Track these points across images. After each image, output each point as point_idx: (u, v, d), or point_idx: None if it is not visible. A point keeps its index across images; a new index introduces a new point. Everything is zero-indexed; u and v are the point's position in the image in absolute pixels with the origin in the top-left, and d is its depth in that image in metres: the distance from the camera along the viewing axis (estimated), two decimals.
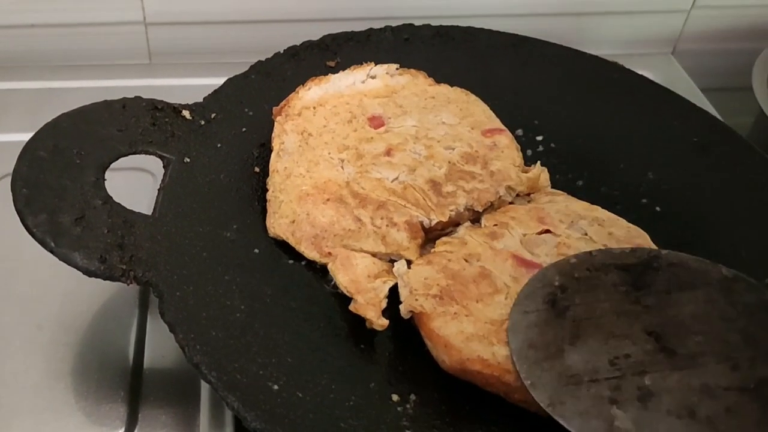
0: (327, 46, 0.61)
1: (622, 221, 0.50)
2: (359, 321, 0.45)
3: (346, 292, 0.46)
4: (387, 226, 0.48)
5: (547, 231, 0.49)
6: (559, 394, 0.39)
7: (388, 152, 0.52)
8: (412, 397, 0.42)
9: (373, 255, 0.48)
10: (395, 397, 0.42)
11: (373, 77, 0.57)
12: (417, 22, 0.64)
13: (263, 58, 0.59)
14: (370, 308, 0.44)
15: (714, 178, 0.54)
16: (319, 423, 0.39)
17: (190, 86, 0.66)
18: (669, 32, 0.80)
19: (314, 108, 0.55)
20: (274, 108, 0.54)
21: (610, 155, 0.57)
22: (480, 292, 0.45)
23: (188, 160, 0.51)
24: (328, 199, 0.49)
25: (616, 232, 0.49)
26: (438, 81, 0.59)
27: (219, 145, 0.53)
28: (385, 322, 0.44)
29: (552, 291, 0.43)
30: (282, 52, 0.60)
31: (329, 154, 0.52)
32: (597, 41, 0.78)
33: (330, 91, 0.56)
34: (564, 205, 0.51)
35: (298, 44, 0.61)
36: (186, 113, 0.53)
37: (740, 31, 0.81)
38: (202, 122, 0.53)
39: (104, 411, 0.46)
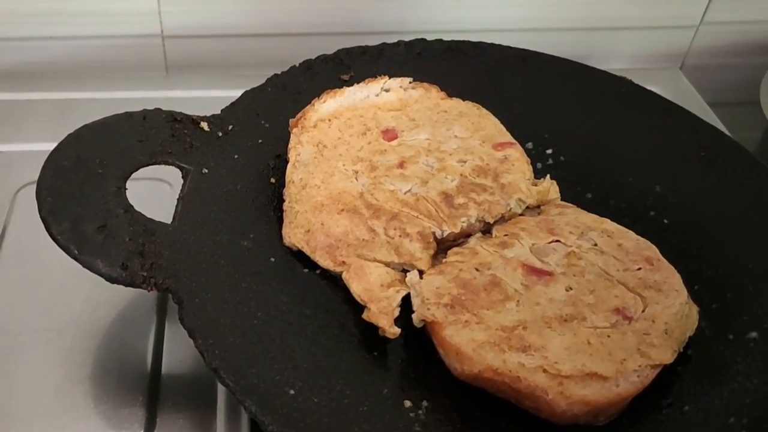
0: (341, 60, 0.62)
1: (632, 233, 0.51)
2: (372, 329, 0.46)
3: (359, 301, 0.47)
4: (400, 236, 0.49)
5: (557, 241, 0.50)
6: None
7: (401, 164, 0.53)
8: (425, 403, 0.43)
9: (386, 265, 0.49)
10: (408, 403, 0.43)
11: (387, 90, 0.58)
12: (429, 37, 0.66)
13: (279, 71, 0.60)
14: (383, 317, 0.45)
15: (721, 192, 0.55)
16: (334, 427, 0.40)
17: (206, 98, 0.67)
18: (677, 47, 0.82)
19: (329, 120, 0.56)
20: (290, 120, 0.55)
21: (618, 169, 0.58)
22: (491, 299, 0.46)
23: (206, 170, 0.52)
24: (342, 210, 0.50)
25: (625, 244, 0.50)
26: (449, 95, 0.60)
27: (236, 156, 0.54)
28: (397, 330, 0.45)
29: None
30: (297, 65, 0.61)
31: (344, 165, 0.53)
32: (606, 56, 0.79)
33: (345, 104, 0.57)
34: (573, 217, 0.52)
35: (313, 58, 0.62)
36: (204, 125, 0.54)
37: (748, 46, 0.82)
38: (220, 134, 0.54)
39: (123, 415, 0.47)
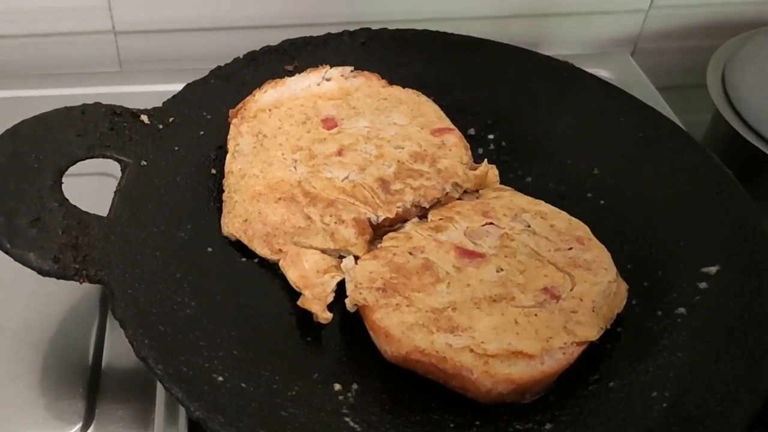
0: (285, 50, 0.63)
1: (564, 214, 0.51)
2: (308, 315, 0.47)
3: (295, 287, 0.48)
4: (336, 223, 0.50)
5: (491, 224, 0.50)
6: None
7: (339, 152, 0.54)
8: (355, 386, 0.44)
9: (323, 251, 0.49)
10: (337, 387, 0.44)
11: (328, 80, 0.59)
12: (375, 27, 0.66)
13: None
14: (316, 302, 0.46)
15: (657, 171, 0.56)
16: (261, 411, 0.41)
17: (161, 92, 0.67)
18: (629, 32, 0.82)
19: (270, 110, 0.56)
20: (230, 110, 0.56)
21: (558, 152, 0.59)
22: (422, 282, 0.46)
23: (145, 163, 0.52)
24: (279, 198, 0.51)
25: (557, 225, 0.50)
26: (393, 82, 0.61)
27: (176, 148, 0.54)
28: (329, 315, 0.46)
29: None
30: (241, 57, 0.62)
31: (282, 154, 0.54)
32: (557, 42, 0.80)
33: (286, 94, 0.58)
34: (509, 200, 0.52)
35: (257, 49, 0.63)
36: (144, 118, 0.55)
37: (698, 28, 0.82)
38: (161, 126, 0.55)
39: (63, 407, 0.47)
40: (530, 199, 0.53)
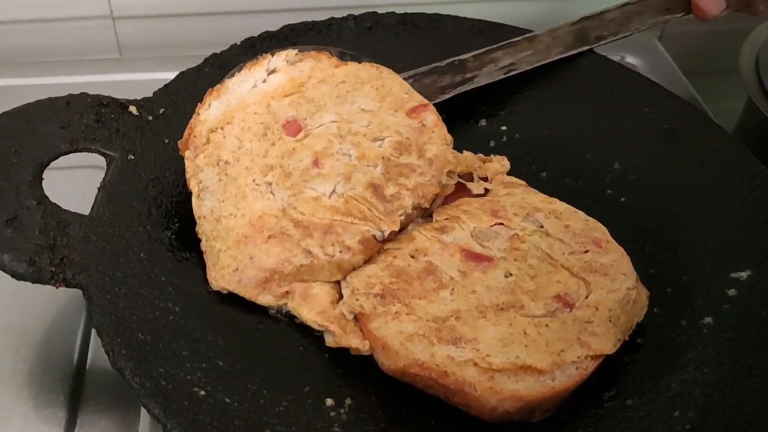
0: (285, 36, 0.59)
1: (581, 214, 0.47)
2: (301, 324, 0.44)
3: (316, 327, 0.43)
4: (340, 252, 0.44)
5: (501, 224, 0.47)
6: None
7: (315, 163, 0.47)
8: (348, 401, 0.40)
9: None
10: (329, 402, 0.40)
11: (273, 72, 0.51)
12: (381, 11, 0.62)
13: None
14: (351, 336, 0.42)
15: (683, 165, 0.52)
16: (245, 429, 0.38)
17: (162, 80, 0.64)
18: None
19: (221, 129, 0.49)
20: (179, 143, 0.49)
21: (575, 145, 0.55)
22: (424, 288, 0.43)
23: (132, 157, 0.49)
24: (269, 237, 0.44)
25: (573, 225, 0.46)
26: (401, 70, 0.57)
27: (166, 141, 0.51)
28: (368, 344, 0.42)
29: None
30: (239, 43, 0.59)
31: (254, 180, 0.47)
32: None
33: (233, 103, 0.50)
34: (521, 198, 0.49)
35: (255, 35, 0.59)
36: (133, 109, 0.52)
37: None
38: (150, 118, 0.52)
39: (43, 415, 0.45)
40: (544, 196, 0.49)
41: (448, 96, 0.55)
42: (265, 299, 0.44)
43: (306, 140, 0.48)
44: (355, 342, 0.42)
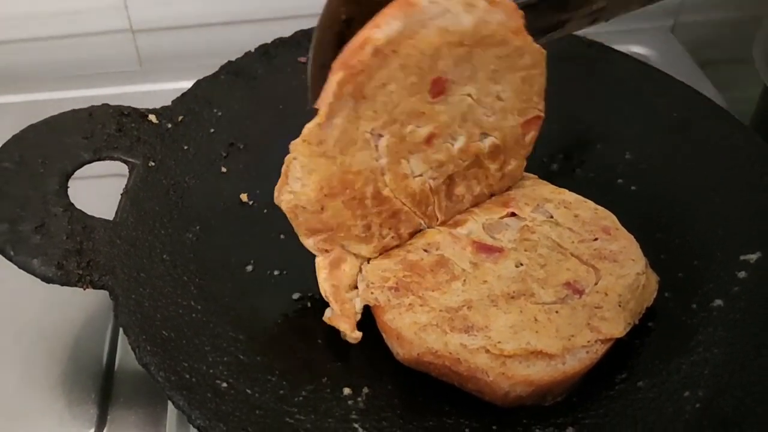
0: (298, 42, 0.61)
1: (590, 203, 0.48)
2: (318, 315, 0.45)
3: (323, 295, 0.45)
4: (392, 238, 0.46)
5: (513, 214, 0.47)
6: None
7: (429, 140, 0.45)
8: (365, 390, 0.42)
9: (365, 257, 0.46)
10: (347, 391, 0.42)
11: (470, 6, 0.42)
12: None
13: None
14: (344, 320, 0.44)
15: (694, 154, 0.52)
16: (265, 418, 0.39)
17: (180, 89, 0.66)
18: (669, 4, 0.77)
19: (386, 55, 0.41)
20: (334, 62, 0.41)
21: (587, 137, 0.56)
22: (436, 280, 0.44)
23: (153, 163, 0.51)
24: (349, 199, 0.44)
25: (582, 214, 0.47)
26: None
27: (185, 147, 0.53)
28: (359, 335, 0.43)
29: (339, 28, 0.41)
30: (253, 50, 0.60)
31: (372, 130, 0.43)
32: None
33: (414, 28, 0.41)
34: (531, 189, 0.49)
35: (268, 42, 0.61)
36: (152, 117, 0.53)
37: None
38: (169, 125, 0.54)
39: (75, 413, 0.47)
40: (553, 187, 0.49)
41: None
42: (307, 242, 0.45)
43: (438, 107, 0.44)
44: (344, 326, 0.43)
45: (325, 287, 0.45)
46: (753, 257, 0.45)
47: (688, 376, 0.41)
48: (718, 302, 0.44)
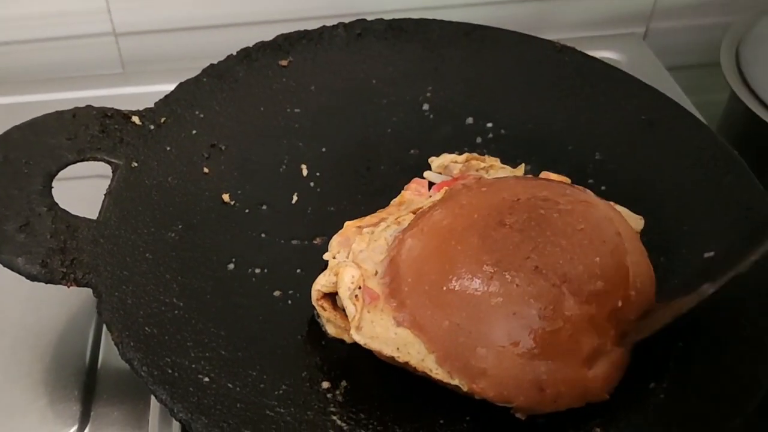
0: (279, 45, 0.62)
1: None
2: (298, 312, 0.46)
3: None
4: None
5: None
6: None
7: None
8: (343, 383, 0.43)
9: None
10: (325, 385, 0.43)
11: None
12: (371, 18, 0.65)
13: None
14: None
15: (661, 155, 0.54)
16: (246, 411, 0.40)
17: (163, 92, 0.67)
18: (640, 10, 0.80)
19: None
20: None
21: (559, 139, 0.57)
22: None
23: (136, 164, 0.52)
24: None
25: None
26: (391, 74, 0.60)
27: (168, 149, 0.54)
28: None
29: None
30: (235, 54, 0.61)
31: None
32: (565, 25, 0.78)
33: None
34: None
35: (250, 45, 0.62)
36: (135, 119, 0.54)
37: (712, 4, 0.80)
38: (152, 127, 0.55)
39: (59, 410, 0.48)
40: None
41: None
42: None
43: None
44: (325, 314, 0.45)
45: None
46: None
47: (653, 368, 0.42)
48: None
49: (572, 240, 0.41)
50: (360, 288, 0.42)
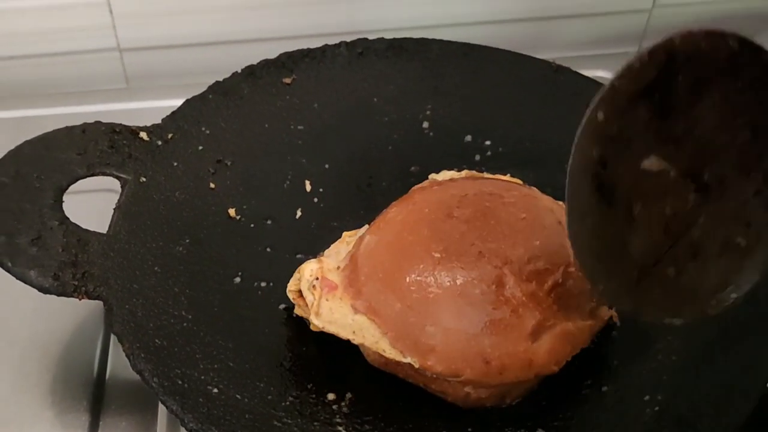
0: (283, 63, 0.63)
1: None
2: (304, 325, 0.47)
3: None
4: None
5: None
6: (638, 297, 0.37)
7: None
8: (348, 395, 0.44)
9: None
10: (331, 396, 0.44)
11: None
12: (373, 36, 0.67)
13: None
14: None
15: None
16: (254, 422, 0.42)
17: (168, 108, 0.68)
18: (633, 32, 0.82)
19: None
20: None
21: (555, 156, 0.58)
22: None
23: (144, 179, 0.53)
24: None
25: None
26: (391, 93, 0.62)
27: (175, 164, 0.55)
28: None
29: (594, 171, 0.38)
30: (239, 71, 0.63)
31: None
32: (560, 45, 0.80)
33: None
34: None
35: (255, 63, 0.63)
36: (143, 135, 0.56)
37: (704, 24, 0.82)
38: (160, 143, 0.56)
39: (68, 420, 0.49)
40: None
41: None
42: None
43: None
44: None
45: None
46: None
47: (648, 381, 0.44)
48: None
49: (514, 227, 0.45)
50: (318, 279, 0.45)
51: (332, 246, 0.49)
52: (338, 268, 0.46)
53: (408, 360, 0.42)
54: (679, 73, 0.36)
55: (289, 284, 0.47)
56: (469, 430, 0.43)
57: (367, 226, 0.49)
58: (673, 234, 0.37)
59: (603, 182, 0.37)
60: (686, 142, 0.37)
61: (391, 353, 0.42)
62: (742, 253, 0.36)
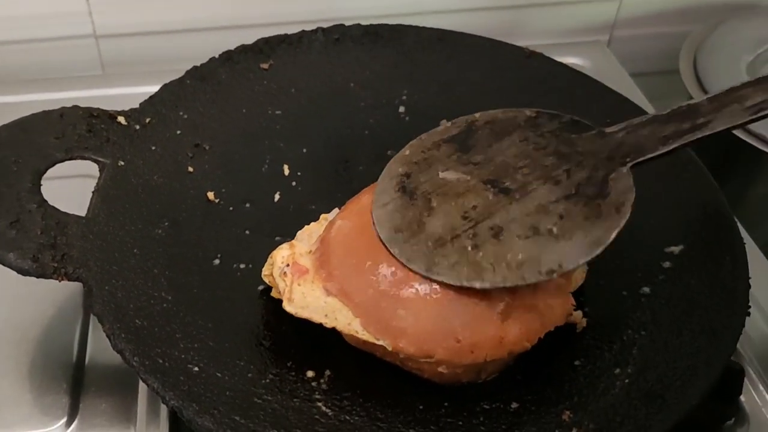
0: (260, 49, 0.64)
1: None
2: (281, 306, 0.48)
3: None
4: None
5: None
6: (431, 259, 0.43)
7: None
8: (327, 372, 0.45)
9: None
10: (310, 373, 0.45)
11: None
12: (348, 23, 0.67)
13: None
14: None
15: None
16: (235, 399, 0.42)
17: (143, 93, 0.68)
18: (604, 20, 0.83)
19: None
20: None
21: None
22: None
23: (122, 163, 0.54)
24: None
25: None
26: (367, 79, 0.62)
27: (153, 148, 0.56)
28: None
29: (399, 180, 0.47)
30: (217, 57, 0.63)
31: None
32: (534, 33, 0.81)
33: None
34: None
35: (232, 48, 0.64)
36: (121, 119, 0.56)
37: (672, 14, 0.83)
38: (138, 127, 0.56)
39: (47, 402, 0.49)
40: None
41: (671, 147, 0.47)
42: None
43: None
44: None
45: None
46: (676, 249, 0.50)
47: (618, 355, 0.45)
48: (646, 289, 0.49)
49: None
50: (288, 265, 0.46)
51: (305, 228, 0.50)
52: (310, 252, 0.47)
53: (380, 342, 0.43)
54: (478, 130, 0.49)
55: (263, 269, 0.48)
56: (446, 404, 0.44)
57: (337, 209, 0.50)
58: (472, 219, 0.44)
59: (405, 186, 0.47)
60: (486, 164, 0.47)
61: (363, 335, 0.43)
62: (555, 238, 0.43)
